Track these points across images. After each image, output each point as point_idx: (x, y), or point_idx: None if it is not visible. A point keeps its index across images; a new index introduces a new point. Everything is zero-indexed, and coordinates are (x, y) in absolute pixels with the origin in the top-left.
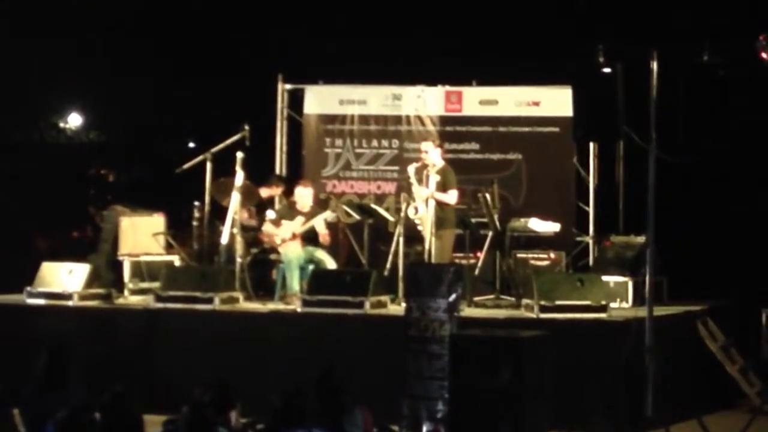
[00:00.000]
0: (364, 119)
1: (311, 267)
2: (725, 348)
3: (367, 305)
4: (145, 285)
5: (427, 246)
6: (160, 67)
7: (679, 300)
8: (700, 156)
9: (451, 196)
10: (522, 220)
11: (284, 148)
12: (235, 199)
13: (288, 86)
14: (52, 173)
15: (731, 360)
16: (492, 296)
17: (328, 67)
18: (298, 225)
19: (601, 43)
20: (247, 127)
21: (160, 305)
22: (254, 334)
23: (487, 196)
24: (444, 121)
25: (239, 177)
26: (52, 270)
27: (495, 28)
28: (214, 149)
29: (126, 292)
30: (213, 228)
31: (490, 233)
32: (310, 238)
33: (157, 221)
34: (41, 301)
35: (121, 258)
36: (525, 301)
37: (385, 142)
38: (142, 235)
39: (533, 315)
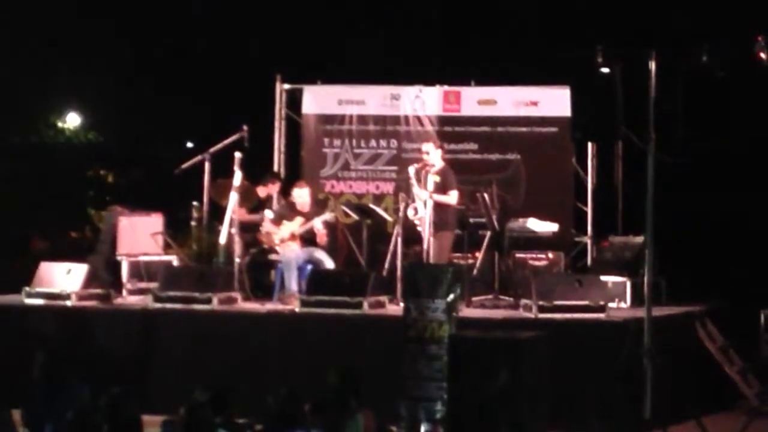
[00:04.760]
0: (363, 119)
1: (310, 267)
2: (724, 349)
3: (366, 306)
4: (143, 285)
5: (425, 246)
6: (159, 67)
7: (678, 301)
8: (699, 157)
9: (452, 197)
10: (520, 220)
11: (282, 148)
12: (233, 199)
13: (286, 86)
14: (51, 173)
15: (730, 361)
16: (490, 296)
17: (327, 67)
18: (297, 225)
19: (600, 43)
20: (245, 128)
21: (158, 305)
22: (252, 335)
23: (486, 196)
24: (442, 121)
25: (237, 177)
26: (51, 270)
27: (493, 28)
28: (213, 149)
29: (124, 293)
30: (211, 228)
31: (489, 233)
32: (308, 238)
33: (155, 221)
34: (39, 302)
35: (119, 258)
36: (523, 301)
37: (383, 143)
38: (140, 235)
39: (532, 315)
